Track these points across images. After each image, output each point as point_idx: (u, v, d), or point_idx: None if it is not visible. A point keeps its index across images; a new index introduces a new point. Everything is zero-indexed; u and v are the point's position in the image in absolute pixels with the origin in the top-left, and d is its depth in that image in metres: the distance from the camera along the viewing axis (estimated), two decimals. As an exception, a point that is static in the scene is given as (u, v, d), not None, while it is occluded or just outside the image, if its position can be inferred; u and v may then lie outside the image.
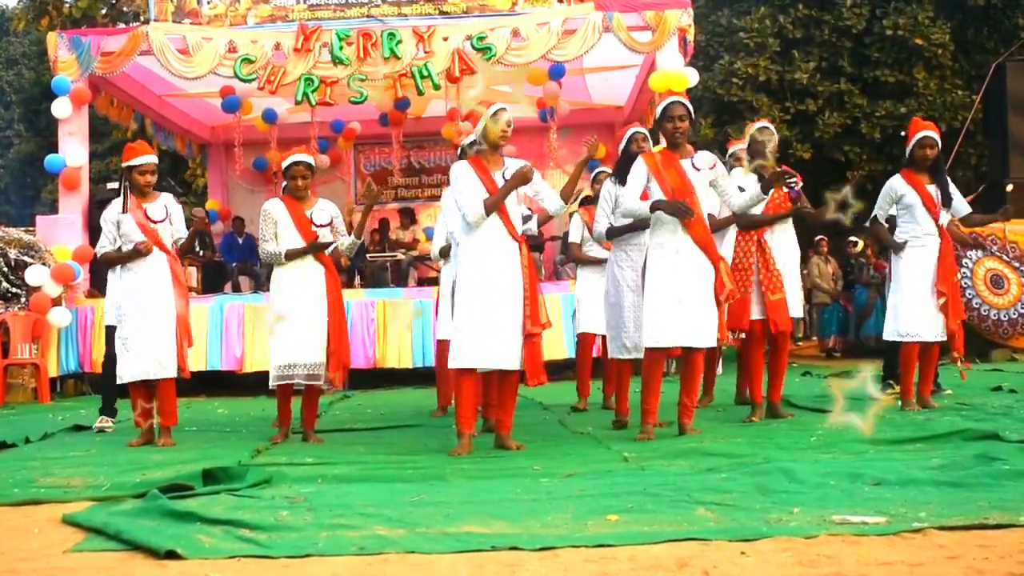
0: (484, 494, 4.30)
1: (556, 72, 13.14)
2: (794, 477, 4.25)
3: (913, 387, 7.07)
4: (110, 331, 7.31)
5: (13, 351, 11.43)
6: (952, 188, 7.04)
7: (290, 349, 6.49)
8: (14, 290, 11.79)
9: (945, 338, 7.02)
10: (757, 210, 6.60)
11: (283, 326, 6.52)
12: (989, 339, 12.88)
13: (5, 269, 11.81)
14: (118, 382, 6.72)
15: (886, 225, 7.18)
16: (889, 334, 7.10)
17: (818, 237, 16.65)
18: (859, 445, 5.34)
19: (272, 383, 6.57)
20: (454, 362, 5.76)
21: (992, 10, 16.26)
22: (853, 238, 16.26)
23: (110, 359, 7.22)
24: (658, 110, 6.19)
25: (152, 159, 6.66)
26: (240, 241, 15.39)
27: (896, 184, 7.04)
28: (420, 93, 12.68)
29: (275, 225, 6.62)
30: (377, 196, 6.78)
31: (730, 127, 16.23)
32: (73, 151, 12.73)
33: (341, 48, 12.41)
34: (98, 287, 12.72)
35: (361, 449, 6.08)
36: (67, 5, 19.15)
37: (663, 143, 6.36)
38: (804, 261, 17.39)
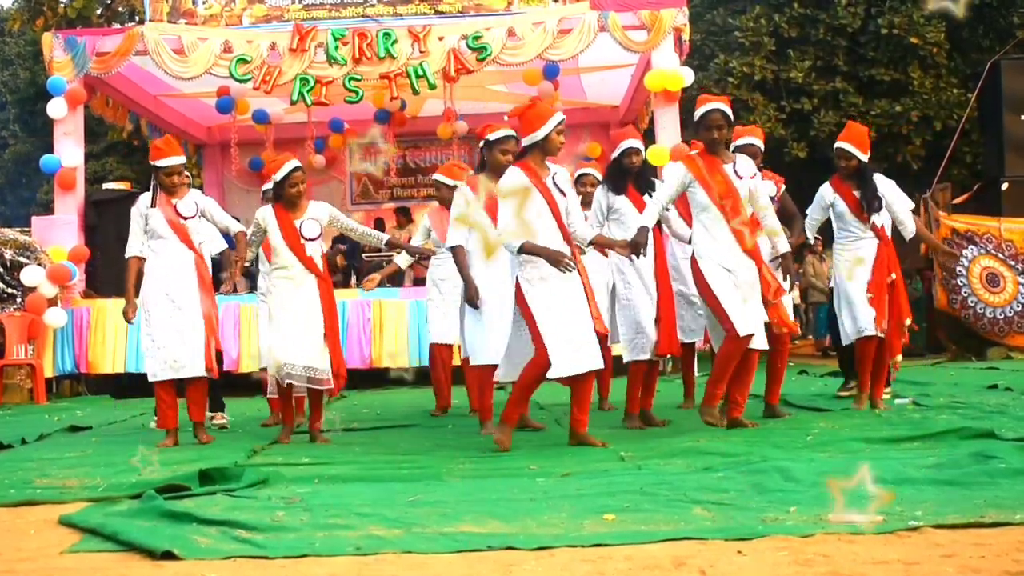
0: (480, 493, 4.30)
1: (551, 71, 13.14)
2: (790, 476, 4.25)
3: (869, 384, 7.07)
4: None
5: (9, 352, 11.43)
6: (890, 196, 7.05)
7: (287, 349, 6.45)
8: (10, 291, 11.78)
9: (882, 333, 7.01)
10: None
11: (278, 328, 6.51)
12: (985, 337, 12.91)
13: (1, 270, 11.80)
14: (149, 380, 6.65)
15: (809, 231, 7.32)
16: (845, 336, 7.11)
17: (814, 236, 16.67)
18: (855, 444, 5.35)
19: (284, 382, 6.53)
20: (555, 371, 5.61)
21: (987, 9, 16.28)
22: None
23: None
24: (696, 114, 6.15)
25: (178, 160, 6.62)
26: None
27: (824, 191, 7.13)
28: (415, 93, 12.68)
29: (263, 233, 6.63)
30: None
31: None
32: (69, 151, 12.71)
33: (336, 48, 12.41)
34: (94, 288, 12.72)
35: (357, 449, 6.08)
36: (62, 5, 19.11)
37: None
38: (800, 260, 17.47)
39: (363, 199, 17.24)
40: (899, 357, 7.45)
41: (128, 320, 6.70)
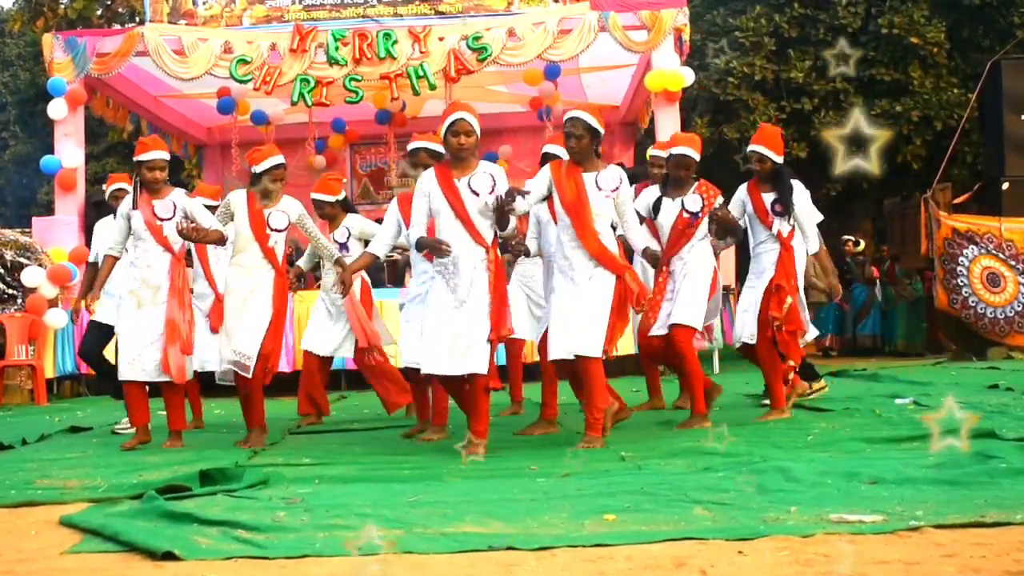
0: (481, 494, 4.30)
1: (552, 72, 13.14)
2: (791, 476, 4.26)
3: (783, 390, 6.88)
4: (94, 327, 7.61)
5: (9, 352, 11.43)
6: (800, 207, 6.72)
7: (229, 343, 6.44)
8: (10, 291, 11.79)
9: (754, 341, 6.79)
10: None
11: (227, 322, 6.47)
12: (986, 337, 12.91)
13: (1, 271, 11.80)
14: (120, 379, 6.67)
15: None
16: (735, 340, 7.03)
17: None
18: (856, 444, 5.35)
19: (218, 379, 6.54)
20: (424, 367, 5.75)
21: (987, 8, 16.27)
22: (853, 237, 16.29)
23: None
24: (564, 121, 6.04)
25: (161, 155, 6.59)
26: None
27: (740, 191, 6.96)
28: (416, 93, 12.69)
29: (229, 217, 6.59)
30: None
31: (725, 126, 16.26)
32: (69, 152, 12.72)
33: (337, 48, 12.41)
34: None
35: (358, 449, 6.08)
36: (63, 6, 19.12)
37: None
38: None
39: (363, 199, 17.23)
40: (791, 362, 6.88)
41: (88, 310, 6.82)
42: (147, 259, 6.49)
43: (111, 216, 7.72)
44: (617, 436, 6.18)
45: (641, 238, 6.09)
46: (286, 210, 6.61)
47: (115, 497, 4.52)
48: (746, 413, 7.14)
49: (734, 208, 6.90)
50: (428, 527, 3.61)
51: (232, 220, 6.60)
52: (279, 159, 6.59)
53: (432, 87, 12.52)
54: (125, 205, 6.61)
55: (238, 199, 6.60)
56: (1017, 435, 5.20)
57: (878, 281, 16.07)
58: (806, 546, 3.18)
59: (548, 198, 6.02)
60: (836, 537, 3.28)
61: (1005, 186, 13.50)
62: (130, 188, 7.39)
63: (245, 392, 6.55)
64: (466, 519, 3.72)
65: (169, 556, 3.30)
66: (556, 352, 5.84)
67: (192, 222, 6.41)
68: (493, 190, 5.75)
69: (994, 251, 12.94)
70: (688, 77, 12.60)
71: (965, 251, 12.87)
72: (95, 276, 7.53)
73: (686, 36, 12.73)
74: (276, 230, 6.55)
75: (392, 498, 4.24)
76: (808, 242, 6.87)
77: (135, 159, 6.63)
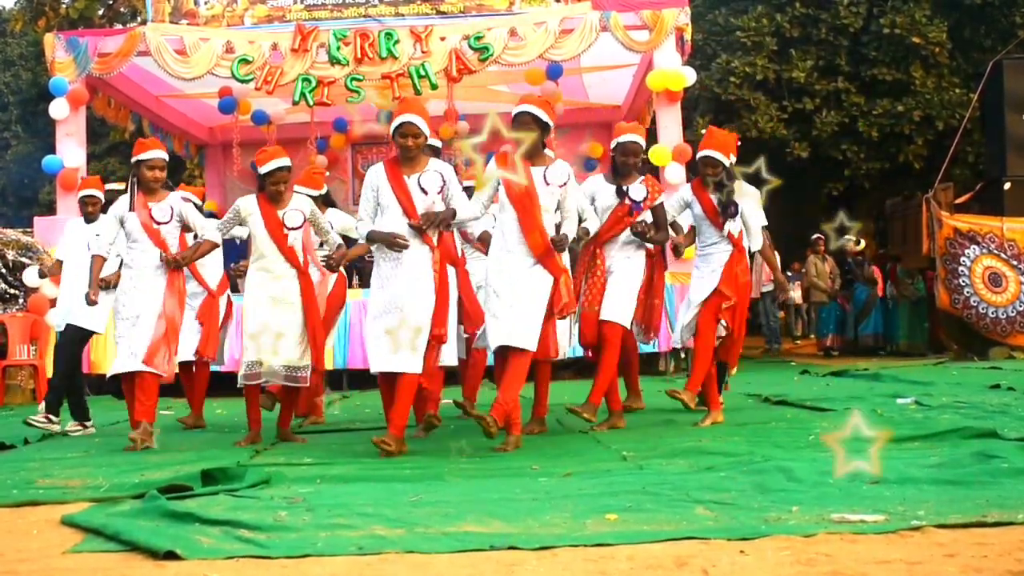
0: (482, 493, 4.30)
1: (554, 72, 13.14)
2: (792, 476, 4.26)
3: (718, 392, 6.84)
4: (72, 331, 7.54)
5: (11, 352, 11.44)
6: (746, 205, 6.68)
7: (258, 346, 6.38)
8: (12, 291, 11.80)
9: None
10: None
11: (253, 324, 6.42)
12: (987, 337, 12.91)
13: (3, 270, 11.82)
14: (108, 374, 6.67)
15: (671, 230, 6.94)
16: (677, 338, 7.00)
17: (815, 236, 16.68)
18: (857, 444, 5.34)
19: (240, 382, 6.49)
20: (371, 367, 5.86)
21: (989, 8, 16.27)
22: (853, 237, 16.29)
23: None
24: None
25: (161, 154, 6.64)
26: (238, 242, 15.32)
27: (684, 192, 6.92)
28: (417, 93, 12.68)
29: (237, 222, 6.58)
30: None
31: (727, 126, 16.25)
32: (71, 152, 12.72)
33: (338, 48, 12.42)
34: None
35: (359, 449, 6.08)
36: (64, 6, 19.15)
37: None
38: (801, 260, 17.49)
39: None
40: (734, 371, 6.97)
41: (89, 302, 6.77)
42: (143, 261, 6.51)
43: (81, 219, 7.81)
44: (619, 436, 6.19)
45: (572, 231, 6.01)
46: (299, 207, 6.58)
47: (117, 497, 4.52)
48: (748, 414, 7.14)
49: (673, 206, 6.86)
50: (430, 527, 3.61)
51: (240, 226, 6.61)
52: (279, 162, 6.47)
53: (434, 87, 12.51)
54: (120, 207, 6.62)
55: (250, 205, 6.52)
56: (1019, 435, 5.20)
57: (887, 281, 16.07)
58: (808, 546, 3.18)
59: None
60: (838, 537, 3.28)
61: (1007, 186, 13.50)
62: (100, 194, 7.67)
63: (289, 396, 6.65)
64: (468, 519, 3.72)
65: (171, 556, 3.29)
66: (496, 340, 5.81)
67: (186, 225, 6.64)
68: (442, 190, 5.81)
69: (996, 251, 12.94)
70: (690, 77, 12.60)
71: (967, 251, 12.87)
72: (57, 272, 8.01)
73: (687, 36, 12.73)
74: (293, 228, 6.50)
75: (394, 498, 4.24)
76: (751, 239, 6.84)
77: (134, 158, 6.65)
